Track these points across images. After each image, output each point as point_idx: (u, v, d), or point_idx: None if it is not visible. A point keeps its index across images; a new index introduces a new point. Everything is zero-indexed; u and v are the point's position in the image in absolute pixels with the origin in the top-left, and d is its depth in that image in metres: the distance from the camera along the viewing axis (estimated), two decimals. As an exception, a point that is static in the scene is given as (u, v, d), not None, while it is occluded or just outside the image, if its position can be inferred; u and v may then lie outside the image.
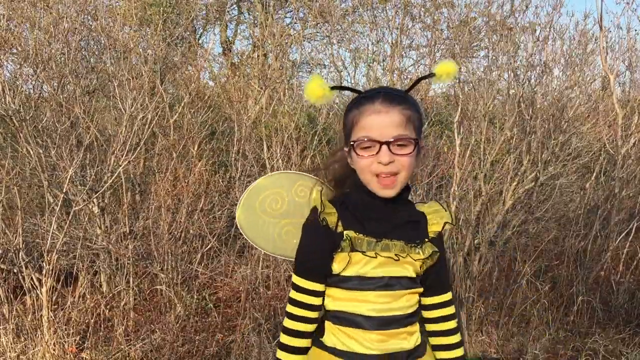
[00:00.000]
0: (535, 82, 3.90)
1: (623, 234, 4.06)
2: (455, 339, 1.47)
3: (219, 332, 3.44)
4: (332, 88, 1.39)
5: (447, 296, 1.46)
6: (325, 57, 4.85)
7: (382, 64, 4.08)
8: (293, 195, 1.53)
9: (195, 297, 3.74)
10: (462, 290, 3.65)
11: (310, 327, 1.41)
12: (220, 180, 4.41)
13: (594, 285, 3.97)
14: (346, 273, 1.35)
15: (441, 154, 4.39)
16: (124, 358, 3.07)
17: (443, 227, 1.42)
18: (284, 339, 1.42)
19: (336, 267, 1.35)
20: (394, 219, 1.37)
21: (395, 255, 1.34)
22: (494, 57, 3.93)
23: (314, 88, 1.37)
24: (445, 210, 1.45)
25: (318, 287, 1.39)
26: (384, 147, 1.27)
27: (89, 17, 4.08)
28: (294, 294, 1.41)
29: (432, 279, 1.42)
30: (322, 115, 4.66)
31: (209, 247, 4.02)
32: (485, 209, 3.91)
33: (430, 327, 1.47)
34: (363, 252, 1.34)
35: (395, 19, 4.18)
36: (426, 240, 1.39)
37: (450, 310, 1.46)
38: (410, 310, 1.40)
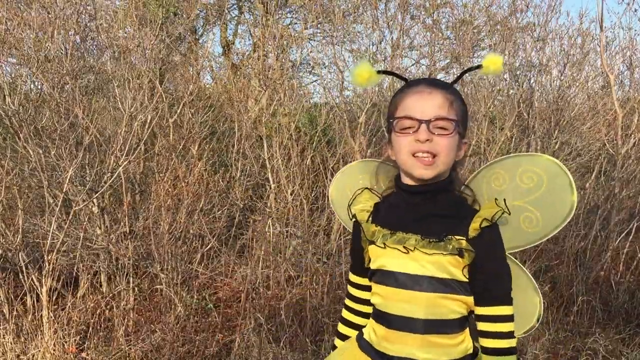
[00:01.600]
0: (535, 81, 3.91)
1: (623, 234, 4.06)
2: None
3: (219, 332, 3.44)
4: (379, 72, 1.38)
5: (496, 310, 1.28)
6: (325, 57, 4.85)
7: (382, 64, 4.08)
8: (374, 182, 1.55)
9: (195, 297, 3.74)
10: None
11: (355, 319, 1.52)
12: (220, 180, 4.41)
13: (594, 285, 3.97)
14: (372, 266, 1.38)
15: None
16: (124, 358, 3.07)
17: (480, 224, 1.27)
18: (340, 327, 1.56)
19: (367, 260, 1.41)
20: (417, 212, 1.32)
21: (404, 247, 1.29)
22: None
23: (362, 71, 1.37)
24: (495, 207, 1.29)
25: (361, 280, 1.47)
26: (423, 125, 1.24)
27: (86, 17, 4.07)
28: (348, 287, 1.53)
29: (477, 285, 1.29)
30: (322, 115, 4.66)
31: (209, 247, 4.02)
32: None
33: (480, 341, 1.32)
34: (374, 243, 1.34)
35: (396, 19, 4.18)
36: (454, 237, 1.27)
37: (497, 327, 1.28)
38: (435, 317, 1.30)
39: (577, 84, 4.05)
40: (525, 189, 1.36)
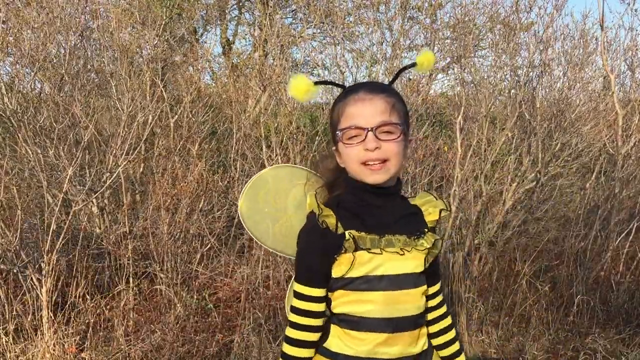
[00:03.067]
0: (536, 82, 3.90)
1: (623, 234, 4.06)
2: (450, 322, 1.50)
3: (219, 332, 3.43)
4: (316, 83, 1.39)
5: (439, 284, 1.48)
6: (325, 58, 4.85)
7: (383, 65, 4.08)
8: (295, 193, 1.51)
9: (195, 297, 3.73)
10: (462, 290, 3.65)
11: (315, 336, 1.37)
12: (220, 180, 4.40)
13: (593, 285, 3.97)
14: (352, 274, 1.31)
15: (441, 154, 4.39)
16: (124, 358, 3.07)
17: (440, 215, 1.40)
18: (288, 349, 1.36)
19: (340, 269, 1.32)
20: (392, 214, 1.35)
21: (400, 249, 1.31)
22: (496, 57, 3.93)
23: (298, 85, 1.38)
24: (437, 199, 1.44)
25: (321, 292, 1.35)
26: (370, 133, 1.26)
27: (86, 17, 4.07)
28: (296, 302, 1.36)
29: (430, 269, 1.40)
30: (324, 116, 4.66)
31: (208, 247, 4.02)
32: (486, 209, 3.91)
33: (430, 315, 1.46)
34: (368, 250, 1.30)
35: (396, 19, 4.17)
36: (426, 230, 1.38)
37: (440, 297, 1.49)
38: (419, 311, 1.37)
39: (579, 85, 4.05)
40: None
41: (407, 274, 1.33)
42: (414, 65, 1.42)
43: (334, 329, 1.36)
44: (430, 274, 1.40)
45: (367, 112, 1.28)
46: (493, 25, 4.02)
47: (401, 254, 1.31)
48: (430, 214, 1.40)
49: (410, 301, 1.34)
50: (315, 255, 1.35)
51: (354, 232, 1.30)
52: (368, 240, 1.31)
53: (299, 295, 1.36)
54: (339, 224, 1.32)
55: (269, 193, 1.51)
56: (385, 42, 4.13)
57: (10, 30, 3.60)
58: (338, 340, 1.35)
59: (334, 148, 1.38)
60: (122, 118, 3.62)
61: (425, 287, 1.39)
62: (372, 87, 1.33)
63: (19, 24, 3.62)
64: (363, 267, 1.31)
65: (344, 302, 1.34)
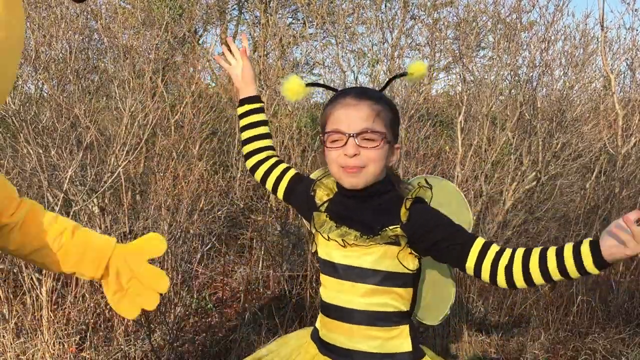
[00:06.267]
0: (537, 82, 3.90)
1: (623, 234, 4.04)
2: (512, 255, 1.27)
3: (219, 332, 3.44)
4: (308, 85, 1.46)
5: (476, 248, 1.30)
6: (327, 58, 4.85)
7: (383, 65, 4.08)
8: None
9: (195, 297, 3.74)
10: (462, 290, 3.65)
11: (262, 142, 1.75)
12: (221, 180, 4.41)
13: (593, 285, 3.97)
14: (319, 253, 1.44)
15: (441, 154, 4.40)
16: (124, 358, 3.07)
17: (405, 206, 1.36)
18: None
19: (315, 246, 1.46)
20: (359, 210, 1.39)
21: (342, 241, 1.36)
22: (497, 57, 3.93)
23: (291, 86, 1.45)
24: (417, 187, 1.41)
25: (286, 170, 1.63)
26: (351, 139, 1.30)
27: (90, 17, 4.08)
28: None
29: (448, 253, 1.33)
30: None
31: (208, 247, 4.02)
32: (486, 209, 3.91)
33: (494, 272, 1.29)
34: (320, 233, 1.41)
35: (395, 19, 4.18)
36: (389, 227, 1.34)
37: (491, 252, 1.28)
38: (372, 309, 1.36)
39: (580, 85, 4.05)
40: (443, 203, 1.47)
41: (356, 267, 1.36)
42: (404, 74, 1.48)
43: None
44: (455, 253, 1.31)
45: (350, 117, 1.32)
46: (494, 25, 4.02)
47: (342, 245, 1.36)
48: (402, 207, 1.38)
49: (355, 294, 1.36)
50: (304, 185, 1.55)
51: (322, 215, 1.43)
52: (328, 226, 1.40)
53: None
54: (326, 204, 1.46)
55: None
56: (387, 42, 4.13)
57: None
58: (318, 318, 1.49)
59: (320, 150, 1.47)
60: (124, 120, 3.63)
61: (397, 289, 1.36)
62: (360, 93, 1.36)
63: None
64: (321, 249, 1.42)
65: (321, 284, 1.46)
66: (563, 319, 3.73)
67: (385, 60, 4.17)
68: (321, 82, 4.14)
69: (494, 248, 1.29)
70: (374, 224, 1.36)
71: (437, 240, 1.33)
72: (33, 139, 3.38)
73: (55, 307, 3.15)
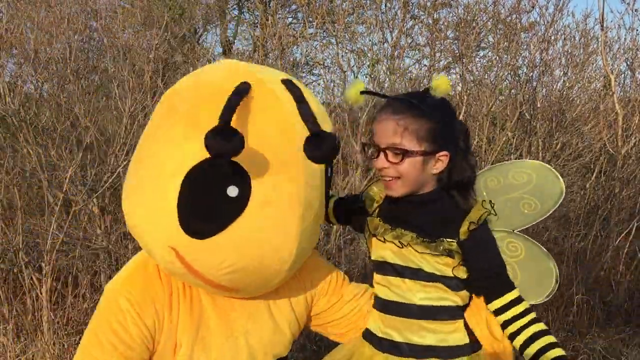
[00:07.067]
0: (537, 82, 3.90)
1: (623, 234, 4.05)
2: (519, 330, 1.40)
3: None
4: (361, 93, 1.47)
5: (505, 299, 1.41)
6: (327, 58, 4.85)
7: (384, 64, 4.08)
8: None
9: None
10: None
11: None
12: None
13: (593, 285, 3.97)
14: (372, 256, 1.49)
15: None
16: (123, 358, 3.06)
17: (469, 227, 1.39)
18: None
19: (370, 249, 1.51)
20: (416, 214, 1.43)
21: (399, 242, 1.40)
22: (497, 57, 3.93)
23: (350, 91, 1.48)
24: (481, 209, 1.42)
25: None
26: (381, 153, 1.38)
27: (90, 17, 4.07)
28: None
29: (481, 284, 1.42)
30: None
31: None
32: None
33: (506, 332, 1.43)
34: (375, 236, 1.46)
35: (395, 19, 4.18)
36: (446, 239, 1.38)
37: (513, 311, 1.41)
38: (429, 303, 1.41)
39: (580, 85, 4.06)
40: (520, 184, 1.55)
41: (410, 267, 1.40)
42: (427, 91, 1.49)
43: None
44: (486, 289, 1.43)
45: (380, 131, 1.40)
46: (495, 25, 4.02)
47: (399, 247, 1.41)
48: (464, 226, 1.40)
49: (411, 289, 1.41)
50: (352, 202, 1.62)
51: (376, 220, 1.47)
52: (382, 229, 1.44)
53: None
54: (377, 211, 1.50)
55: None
56: (387, 42, 4.13)
57: (15, 30, 3.60)
58: (371, 318, 1.52)
59: None
60: (123, 120, 3.62)
61: (450, 290, 1.41)
62: (393, 108, 1.40)
63: (23, 23, 3.62)
64: (377, 251, 1.47)
65: (375, 283, 1.50)
66: (563, 319, 3.73)
67: (385, 60, 4.17)
68: (321, 82, 4.14)
69: (519, 308, 1.41)
70: (430, 230, 1.40)
71: (484, 278, 1.41)
72: (33, 139, 3.37)
73: (55, 307, 3.14)
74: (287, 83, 1.20)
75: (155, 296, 1.26)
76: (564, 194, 1.56)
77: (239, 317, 1.34)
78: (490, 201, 1.46)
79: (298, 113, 1.14)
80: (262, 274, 1.22)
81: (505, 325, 1.41)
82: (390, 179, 1.39)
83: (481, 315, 1.45)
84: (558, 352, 1.34)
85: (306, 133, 1.10)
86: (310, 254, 1.36)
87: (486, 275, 1.41)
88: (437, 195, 1.43)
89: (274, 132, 1.15)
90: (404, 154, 1.36)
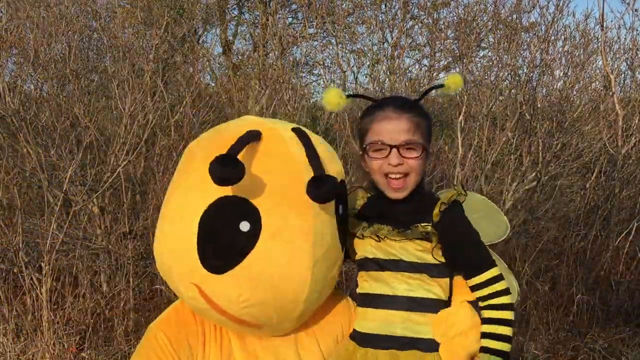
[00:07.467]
0: (537, 82, 3.90)
1: (623, 234, 4.06)
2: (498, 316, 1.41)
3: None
4: (348, 96, 1.51)
5: (484, 276, 1.41)
6: (327, 58, 4.85)
7: (384, 64, 4.08)
8: None
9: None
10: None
11: None
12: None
13: (593, 285, 3.97)
14: (357, 257, 1.49)
15: (441, 154, 4.40)
16: (124, 358, 3.07)
17: (440, 208, 1.43)
18: None
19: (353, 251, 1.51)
20: (393, 209, 1.46)
21: (376, 236, 1.43)
22: (497, 58, 3.93)
23: (331, 96, 1.50)
24: (452, 191, 1.47)
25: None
26: (394, 150, 1.39)
27: (90, 17, 4.07)
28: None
29: (460, 261, 1.44)
30: (325, 115, 4.65)
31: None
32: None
33: (481, 306, 1.44)
34: (354, 234, 1.47)
35: (395, 19, 4.18)
36: (420, 224, 1.41)
37: (491, 288, 1.41)
38: (411, 294, 1.42)
39: (580, 85, 4.06)
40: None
41: (392, 259, 1.42)
42: (441, 86, 1.56)
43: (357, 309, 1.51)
44: (463, 266, 1.44)
45: (392, 130, 1.41)
46: (495, 25, 4.02)
47: (377, 240, 1.43)
48: (436, 208, 1.44)
49: (396, 281, 1.42)
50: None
51: (354, 220, 1.48)
52: (360, 227, 1.46)
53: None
54: (359, 209, 1.51)
55: None
56: (387, 42, 4.13)
57: (15, 30, 3.60)
58: (356, 319, 1.51)
59: (360, 153, 1.51)
60: (123, 120, 3.62)
61: (433, 278, 1.42)
62: (400, 105, 1.44)
63: (23, 23, 3.62)
64: (359, 250, 1.48)
65: (359, 280, 1.50)
66: (563, 319, 3.74)
67: (385, 60, 4.17)
68: (321, 82, 4.13)
69: (498, 286, 1.41)
70: (406, 220, 1.43)
71: (461, 252, 1.43)
72: (33, 139, 3.37)
73: (55, 307, 3.14)
74: (297, 131, 1.31)
75: (190, 334, 1.35)
76: (509, 229, 1.67)
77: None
78: (462, 184, 1.52)
79: (306, 157, 1.24)
80: (279, 305, 1.27)
81: (481, 300, 1.41)
82: (400, 176, 1.41)
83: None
84: (492, 344, 1.36)
85: (312, 174, 1.20)
86: (332, 293, 1.45)
87: (461, 250, 1.43)
88: (419, 190, 1.48)
89: (282, 172, 1.25)
90: (422, 148, 1.41)
